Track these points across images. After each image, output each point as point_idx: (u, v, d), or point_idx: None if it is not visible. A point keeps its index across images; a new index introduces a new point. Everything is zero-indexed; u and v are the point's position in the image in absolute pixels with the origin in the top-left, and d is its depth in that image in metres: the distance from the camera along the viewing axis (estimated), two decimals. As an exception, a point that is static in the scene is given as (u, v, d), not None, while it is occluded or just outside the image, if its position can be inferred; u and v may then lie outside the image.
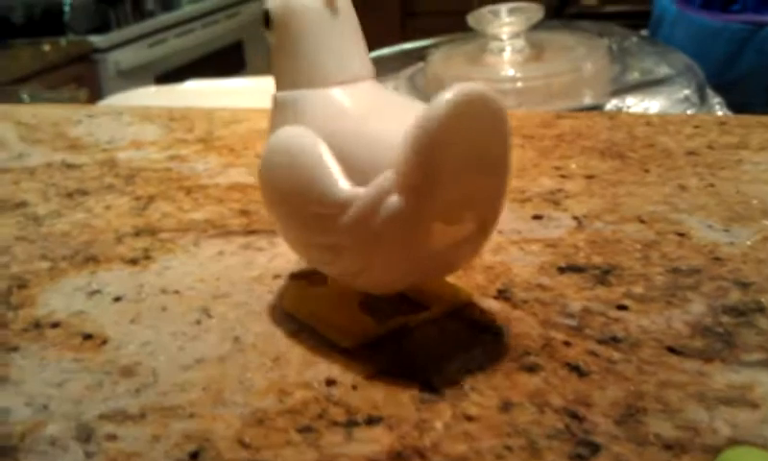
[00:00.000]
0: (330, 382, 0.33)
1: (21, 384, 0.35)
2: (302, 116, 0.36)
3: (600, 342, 0.34)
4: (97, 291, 0.43)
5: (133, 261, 0.46)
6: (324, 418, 0.31)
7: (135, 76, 2.03)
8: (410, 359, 0.34)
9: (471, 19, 0.90)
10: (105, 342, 0.38)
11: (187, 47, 2.26)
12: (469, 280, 0.40)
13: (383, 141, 0.32)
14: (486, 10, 0.90)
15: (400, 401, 0.32)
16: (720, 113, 0.85)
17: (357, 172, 0.33)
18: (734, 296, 0.37)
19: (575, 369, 0.33)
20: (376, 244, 0.32)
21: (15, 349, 0.38)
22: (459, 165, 0.31)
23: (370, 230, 0.32)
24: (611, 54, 0.90)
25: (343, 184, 0.33)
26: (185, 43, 2.26)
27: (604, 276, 0.39)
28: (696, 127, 0.58)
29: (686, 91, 0.83)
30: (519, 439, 0.29)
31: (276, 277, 0.42)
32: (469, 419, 0.30)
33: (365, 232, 0.32)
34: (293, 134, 0.36)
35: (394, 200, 0.31)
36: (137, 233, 0.49)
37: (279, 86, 0.38)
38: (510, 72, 0.89)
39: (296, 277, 0.42)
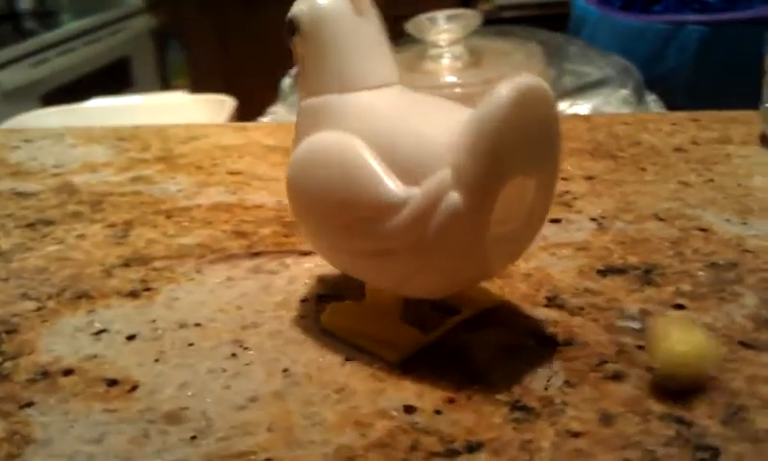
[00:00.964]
0: (409, 409, 0.31)
1: (50, 444, 0.31)
2: (338, 121, 0.34)
3: (673, 343, 0.34)
4: (103, 330, 0.38)
5: (133, 294, 0.41)
6: (420, 449, 0.29)
7: (20, 97, 1.90)
8: (484, 377, 0.33)
9: (410, 26, 0.89)
10: (135, 387, 0.34)
11: (71, 65, 2.14)
12: (513, 290, 0.39)
13: (429, 140, 0.32)
14: (423, 17, 0.90)
15: (494, 423, 0.30)
16: (656, 111, 0.88)
17: (403, 172, 0.32)
18: (782, 287, 0.37)
19: (661, 373, 0.32)
20: (434, 244, 0.31)
21: (29, 404, 0.34)
22: (517, 159, 0.30)
23: (427, 230, 0.31)
24: (546, 58, 0.91)
25: (394, 185, 0.32)
26: (69, 62, 2.14)
27: (647, 276, 0.39)
28: (673, 124, 0.59)
29: (625, 91, 0.85)
30: (636, 451, 0.28)
31: (304, 300, 0.39)
32: (575, 435, 0.29)
33: (422, 233, 0.31)
34: (331, 140, 0.34)
35: (454, 197, 0.30)
36: (126, 264, 0.45)
37: (308, 93, 0.36)
38: (450, 78, 0.88)
39: (328, 295, 0.39)
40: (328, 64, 0.35)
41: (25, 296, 0.42)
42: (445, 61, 0.90)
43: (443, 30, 0.89)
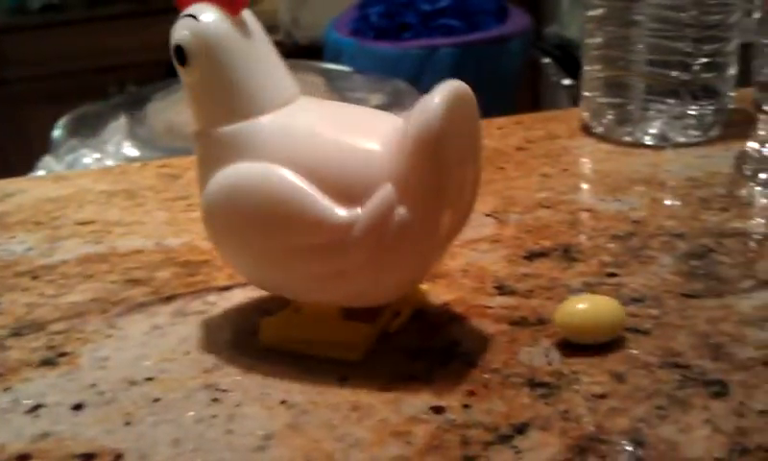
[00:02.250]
0: (437, 409, 0.31)
1: None
2: (256, 149, 0.33)
3: (630, 303, 0.37)
4: (38, 406, 0.33)
5: (49, 362, 0.36)
6: (472, 442, 0.29)
7: None
8: (485, 365, 0.33)
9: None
10: (119, 456, 0.30)
11: None
12: (460, 285, 0.40)
13: (361, 155, 0.32)
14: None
15: (525, 404, 0.31)
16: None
17: (338, 191, 0.31)
18: (681, 245, 0.42)
19: (638, 331, 0.35)
20: (388, 257, 0.32)
21: (-7, 502, 0.28)
22: (454, 162, 0.31)
23: (380, 246, 0.31)
24: (328, 88, 0.94)
25: (336, 209, 0.31)
26: None
27: (567, 255, 0.42)
28: (500, 128, 0.63)
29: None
30: (660, 398, 0.30)
31: (254, 332, 0.37)
32: (602, 396, 0.31)
33: (374, 249, 0.31)
34: (254, 171, 0.33)
35: (402, 212, 0.31)
36: (17, 333, 0.39)
37: (208, 123, 0.34)
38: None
39: (261, 314, 0.37)
40: (227, 90, 0.33)
41: None
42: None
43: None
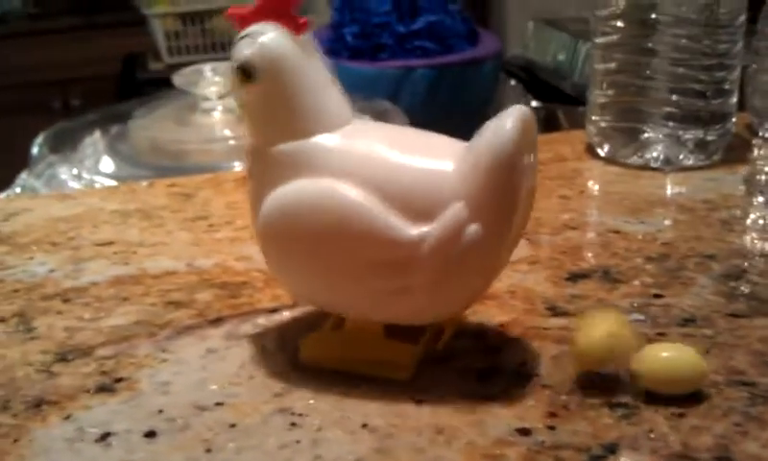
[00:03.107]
0: (523, 431, 0.31)
1: None
2: (318, 166, 0.33)
3: (683, 324, 0.38)
4: (107, 434, 0.32)
5: (107, 389, 0.35)
6: (568, 463, 0.29)
7: None
8: (559, 386, 0.34)
9: (178, 80, 0.85)
10: (208, 484, 0.29)
11: None
12: (512, 307, 0.40)
13: (431, 173, 0.32)
14: (189, 70, 0.86)
15: (609, 424, 0.31)
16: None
17: (406, 208, 0.32)
18: (715, 266, 0.44)
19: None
20: (454, 275, 0.32)
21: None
22: (523, 183, 0.32)
23: (447, 264, 0.32)
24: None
25: (406, 226, 0.32)
26: None
27: (608, 276, 0.43)
28: (507, 149, 0.64)
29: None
30: (734, 415, 0.31)
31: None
32: (681, 416, 0.31)
33: (441, 267, 0.32)
34: (319, 186, 0.33)
35: (473, 230, 0.31)
36: (62, 359, 0.37)
37: (267, 141, 0.34)
38: (225, 132, 0.86)
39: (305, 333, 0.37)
40: (289, 108, 0.34)
41: (-45, 419, 0.33)
42: (217, 115, 0.87)
43: (212, 82, 0.87)
